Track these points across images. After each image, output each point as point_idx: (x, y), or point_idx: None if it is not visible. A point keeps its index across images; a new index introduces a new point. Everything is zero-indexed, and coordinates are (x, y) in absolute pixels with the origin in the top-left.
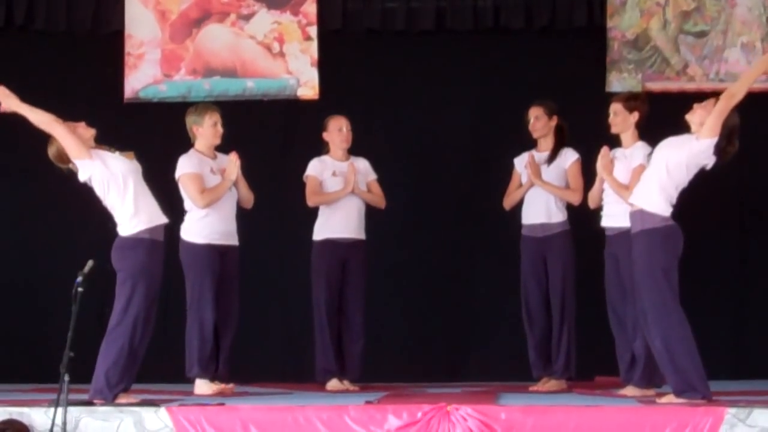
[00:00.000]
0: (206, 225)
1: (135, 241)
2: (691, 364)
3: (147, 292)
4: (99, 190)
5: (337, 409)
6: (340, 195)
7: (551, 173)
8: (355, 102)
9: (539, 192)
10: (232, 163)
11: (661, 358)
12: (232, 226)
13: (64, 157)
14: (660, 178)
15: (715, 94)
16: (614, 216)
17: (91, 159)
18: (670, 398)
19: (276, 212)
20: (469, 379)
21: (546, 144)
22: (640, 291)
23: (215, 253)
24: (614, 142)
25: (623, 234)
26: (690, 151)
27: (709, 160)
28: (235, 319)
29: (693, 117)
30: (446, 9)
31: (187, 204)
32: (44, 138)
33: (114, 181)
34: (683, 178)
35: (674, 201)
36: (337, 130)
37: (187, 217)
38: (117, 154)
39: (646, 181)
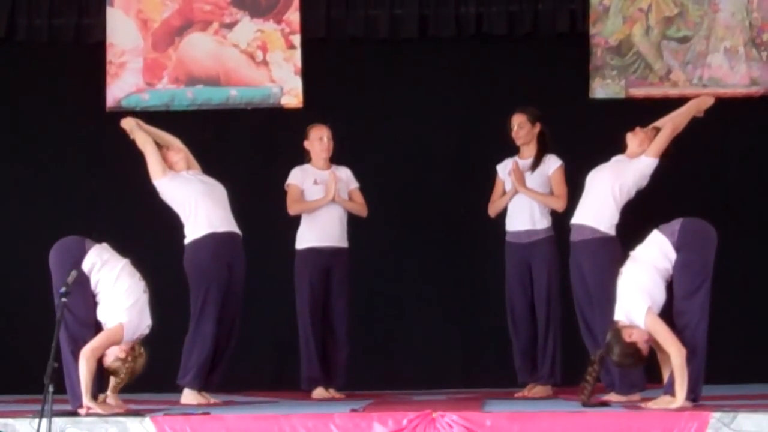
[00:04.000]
0: (204, 217)
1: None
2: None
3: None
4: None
5: (323, 417)
6: (321, 203)
7: (535, 180)
8: (339, 110)
9: (523, 199)
10: None
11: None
12: (228, 213)
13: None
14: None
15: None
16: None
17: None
18: (659, 402)
19: (260, 220)
20: (455, 386)
21: (529, 151)
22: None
23: (222, 260)
24: (600, 149)
25: (587, 242)
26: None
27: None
28: (236, 328)
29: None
30: (429, 16)
31: (178, 207)
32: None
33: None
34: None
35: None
36: (318, 139)
37: (186, 225)
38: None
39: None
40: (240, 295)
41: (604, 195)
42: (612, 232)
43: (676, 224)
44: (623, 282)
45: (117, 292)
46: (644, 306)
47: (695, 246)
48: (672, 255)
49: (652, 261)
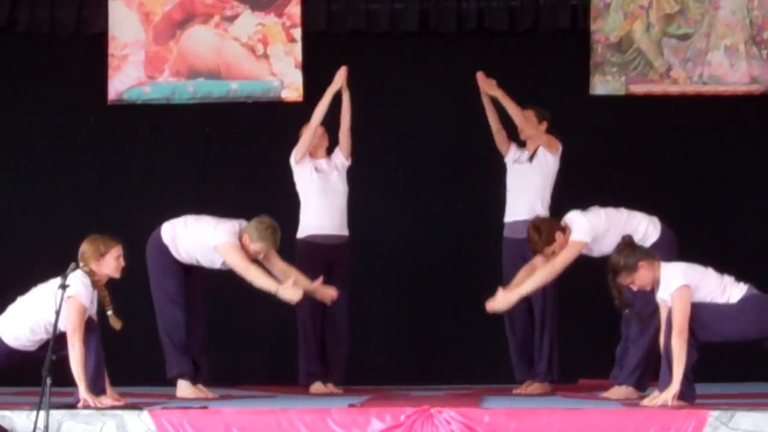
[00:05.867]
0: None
1: None
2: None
3: None
4: None
5: (320, 412)
6: (328, 97)
7: (534, 169)
8: (339, 104)
9: (523, 189)
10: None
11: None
12: None
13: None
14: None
15: (699, 97)
16: None
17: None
18: (653, 399)
19: (260, 213)
20: (453, 382)
21: (533, 146)
22: None
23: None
24: (600, 145)
25: None
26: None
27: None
28: (204, 314)
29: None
30: (430, 11)
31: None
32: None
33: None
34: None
35: None
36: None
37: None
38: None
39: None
40: (201, 279)
41: (617, 216)
42: (658, 229)
43: (760, 292)
44: (697, 265)
45: (46, 300)
46: (686, 281)
47: (750, 311)
48: (733, 300)
49: (722, 291)
